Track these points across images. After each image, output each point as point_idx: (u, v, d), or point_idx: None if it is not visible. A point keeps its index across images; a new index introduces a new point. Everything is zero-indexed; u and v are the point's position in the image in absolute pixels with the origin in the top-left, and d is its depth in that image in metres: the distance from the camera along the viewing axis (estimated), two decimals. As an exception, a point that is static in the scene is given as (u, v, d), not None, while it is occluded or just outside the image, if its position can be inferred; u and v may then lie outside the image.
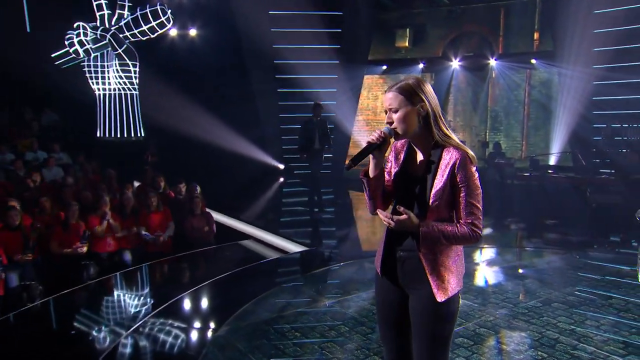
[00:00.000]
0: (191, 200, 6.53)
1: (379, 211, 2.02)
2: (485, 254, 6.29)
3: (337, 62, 11.39)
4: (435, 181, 1.97)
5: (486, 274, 5.51)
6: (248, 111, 10.69)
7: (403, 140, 2.13)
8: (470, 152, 1.99)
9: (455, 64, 12.94)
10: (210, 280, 5.17)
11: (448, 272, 2.01)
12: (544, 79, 12.55)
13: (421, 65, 12.89)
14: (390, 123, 2.02)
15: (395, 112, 2.01)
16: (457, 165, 1.94)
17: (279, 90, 11.35)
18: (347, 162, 1.93)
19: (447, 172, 1.96)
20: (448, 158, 1.96)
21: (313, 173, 8.54)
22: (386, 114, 2.04)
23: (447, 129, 2.03)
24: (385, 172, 2.14)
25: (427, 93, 2.02)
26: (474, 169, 1.97)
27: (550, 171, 9.45)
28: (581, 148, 9.62)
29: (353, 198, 10.77)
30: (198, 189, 6.84)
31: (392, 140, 2.06)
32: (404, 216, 1.94)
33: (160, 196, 6.69)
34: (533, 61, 11.72)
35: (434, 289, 1.99)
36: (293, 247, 6.45)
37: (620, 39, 9.11)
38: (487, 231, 7.44)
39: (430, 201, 1.97)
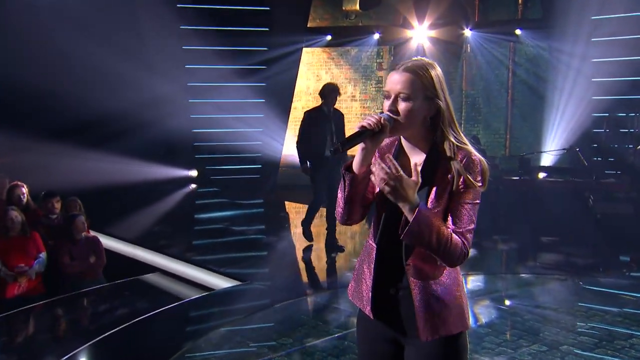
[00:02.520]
0: (70, 220, 6.32)
1: (377, 162, 1.96)
2: (470, 283, 6.48)
3: (266, 29, 11.37)
4: (434, 186, 2.04)
5: (475, 310, 5.67)
6: (146, 90, 10.34)
7: (389, 140, 2.17)
8: (481, 157, 2.09)
9: (419, 34, 13.28)
10: (103, 334, 4.99)
11: (442, 306, 2.08)
12: (531, 54, 13.19)
13: (376, 36, 13.15)
14: (393, 111, 2.04)
15: (405, 100, 2.03)
16: (463, 166, 2.03)
17: (187, 66, 11.18)
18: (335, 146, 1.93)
19: (449, 175, 2.03)
20: (453, 159, 2.05)
21: (319, 196, 7.32)
22: (388, 98, 2.07)
23: (461, 133, 2.11)
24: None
25: (443, 87, 2.08)
26: (479, 177, 2.06)
27: (543, 174, 9.91)
28: (582, 144, 10.13)
29: (290, 211, 10.77)
30: (79, 204, 6.70)
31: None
32: (414, 177, 1.95)
33: (23, 215, 6.38)
34: (517, 32, 12.27)
35: (418, 324, 2.05)
36: (217, 282, 6.44)
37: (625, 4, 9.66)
38: (470, 254, 7.68)
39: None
